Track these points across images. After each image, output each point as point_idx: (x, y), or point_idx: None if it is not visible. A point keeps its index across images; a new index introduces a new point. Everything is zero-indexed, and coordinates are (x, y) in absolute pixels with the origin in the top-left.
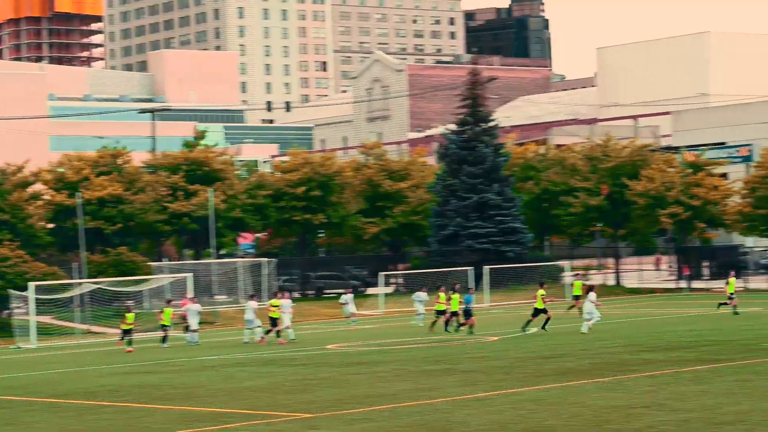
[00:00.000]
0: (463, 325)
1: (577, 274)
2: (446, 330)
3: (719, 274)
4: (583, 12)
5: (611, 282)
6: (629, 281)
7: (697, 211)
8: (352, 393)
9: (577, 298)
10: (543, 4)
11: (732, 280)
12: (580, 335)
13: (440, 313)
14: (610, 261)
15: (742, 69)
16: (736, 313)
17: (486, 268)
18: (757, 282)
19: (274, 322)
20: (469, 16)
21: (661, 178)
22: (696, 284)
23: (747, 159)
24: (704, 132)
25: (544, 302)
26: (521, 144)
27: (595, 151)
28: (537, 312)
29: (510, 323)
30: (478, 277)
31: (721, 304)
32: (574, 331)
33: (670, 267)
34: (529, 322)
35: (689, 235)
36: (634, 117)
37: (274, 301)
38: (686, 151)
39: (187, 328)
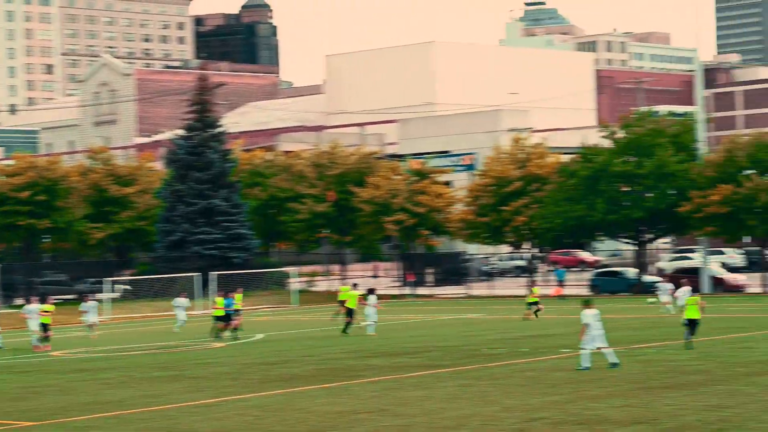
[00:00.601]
0: (223, 330)
1: (355, 284)
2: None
3: (443, 280)
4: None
5: (337, 288)
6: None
7: (421, 219)
8: (77, 400)
9: (342, 303)
10: (272, 10)
11: (535, 289)
12: (307, 341)
13: (219, 319)
14: (336, 267)
15: (466, 79)
16: (535, 315)
17: (213, 274)
18: (479, 289)
19: (44, 327)
20: (198, 21)
21: (387, 185)
22: (420, 291)
23: (470, 167)
24: (429, 140)
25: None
26: (249, 150)
27: (322, 158)
28: (350, 312)
29: (238, 329)
30: (205, 283)
31: (536, 311)
32: (301, 337)
33: (389, 274)
34: (348, 324)
35: (414, 242)
36: (361, 125)
37: (46, 306)
38: (411, 159)
39: None
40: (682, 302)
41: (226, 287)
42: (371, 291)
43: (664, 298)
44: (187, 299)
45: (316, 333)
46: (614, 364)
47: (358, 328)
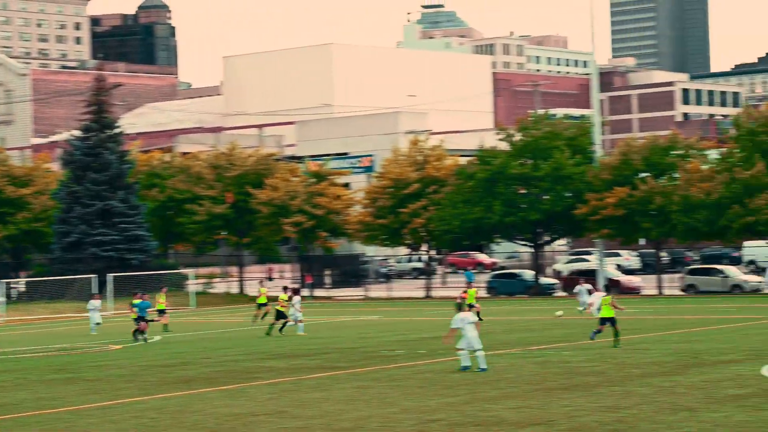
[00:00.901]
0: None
1: (285, 287)
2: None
3: (341, 282)
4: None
5: (235, 290)
6: (253, 289)
7: (320, 220)
8: None
9: (260, 306)
10: (170, 11)
11: (471, 291)
12: (205, 343)
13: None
14: (234, 269)
15: (364, 81)
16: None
17: (110, 276)
18: (377, 291)
19: None
20: (95, 21)
21: (285, 187)
22: (318, 292)
23: (368, 169)
24: (327, 142)
25: (284, 306)
26: (146, 151)
27: (220, 160)
28: (279, 315)
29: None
30: (102, 285)
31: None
32: (199, 339)
33: (285, 276)
34: (272, 326)
35: (312, 243)
36: (260, 126)
37: None
38: (310, 161)
39: None
40: (597, 305)
41: (118, 289)
42: (296, 291)
43: (583, 298)
44: (101, 301)
45: (214, 335)
46: (483, 369)
47: (288, 329)
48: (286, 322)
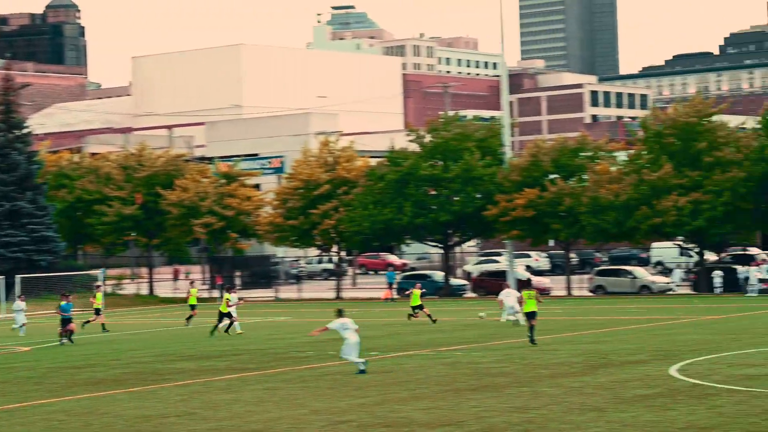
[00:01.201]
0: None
1: (228, 287)
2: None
3: (251, 284)
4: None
5: (145, 291)
6: (163, 291)
7: (230, 222)
8: None
9: (193, 307)
10: (79, 11)
11: (416, 291)
12: (114, 345)
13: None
14: (144, 270)
15: (274, 82)
16: (434, 321)
17: (18, 277)
18: (287, 292)
19: None
20: (2, 20)
21: (195, 188)
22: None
23: (279, 170)
24: (237, 143)
25: (229, 306)
26: (55, 152)
27: (129, 160)
28: (222, 316)
29: (43, 333)
30: (10, 286)
31: (410, 315)
32: (108, 340)
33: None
34: (215, 327)
35: (222, 245)
36: (169, 127)
37: None
38: (220, 162)
39: None
40: (510, 303)
41: (26, 290)
42: (229, 289)
43: (509, 301)
44: (25, 302)
45: (123, 336)
46: (362, 371)
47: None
48: (232, 322)
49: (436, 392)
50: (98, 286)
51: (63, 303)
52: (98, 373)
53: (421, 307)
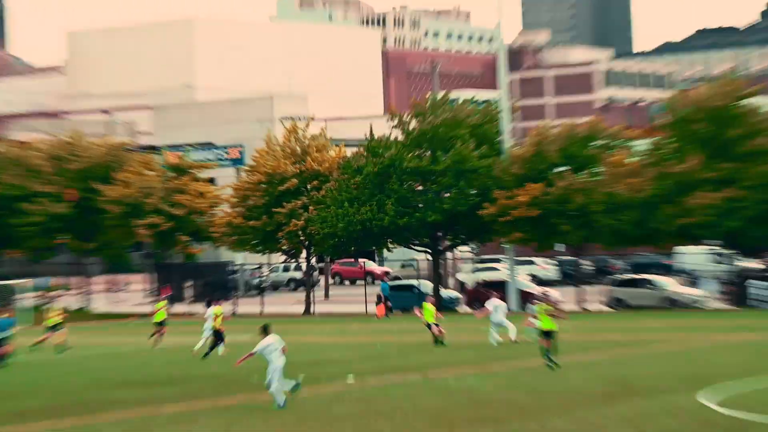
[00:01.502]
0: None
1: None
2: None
3: (205, 296)
4: None
5: (76, 305)
6: (99, 304)
7: (180, 222)
8: None
9: (160, 324)
10: None
11: (428, 307)
12: (40, 369)
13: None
14: (78, 280)
15: (231, 60)
16: (441, 343)
17: None
18: (248, 305)
19: None
20: None
21: (139, 182)
22: (178, 308)
23: (238, 162)
24: (189, 130)
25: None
26: None
27: (61, 150)
28: (218, 335)
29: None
30: None
31: (436, 340)
32: (34, 364)
33: (128, 290)
34: (213, 348)
35: (171, 249)
36: (109, 111)
37: None
38: (168, 152)
39: None
40: (496, 318)
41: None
42: (209, 303)
43: (497, 317)
44: None
45: (51, 359)
46: (280, 406)
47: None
48: (217, 342)
49: (426, 426)
50: (53, 298)
51: (3, 318)
52: (20, 404)
53: (430, 326)
